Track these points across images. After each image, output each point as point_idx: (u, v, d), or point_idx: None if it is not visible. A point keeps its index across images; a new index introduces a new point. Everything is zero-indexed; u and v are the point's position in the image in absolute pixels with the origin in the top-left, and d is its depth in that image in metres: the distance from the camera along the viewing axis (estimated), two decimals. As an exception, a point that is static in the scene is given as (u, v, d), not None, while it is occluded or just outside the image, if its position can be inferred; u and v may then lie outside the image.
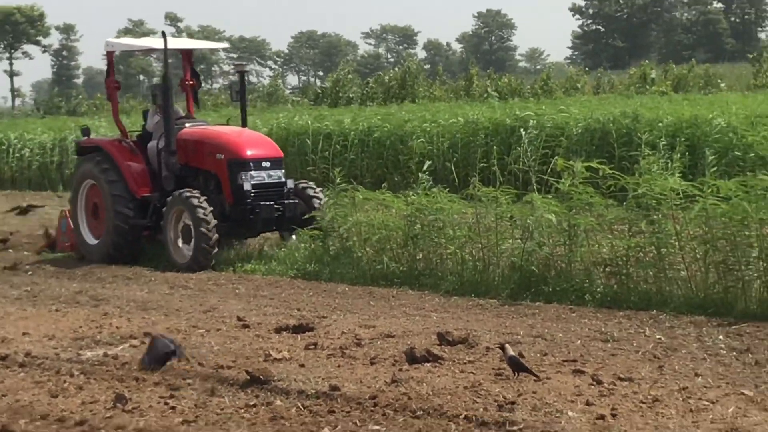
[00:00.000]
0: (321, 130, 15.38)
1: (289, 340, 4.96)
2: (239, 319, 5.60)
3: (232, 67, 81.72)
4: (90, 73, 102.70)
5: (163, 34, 9.13)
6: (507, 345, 4.04)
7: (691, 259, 5.70)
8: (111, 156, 8.78)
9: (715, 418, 3.18)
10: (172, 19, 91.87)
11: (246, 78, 10.68)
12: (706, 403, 3.37)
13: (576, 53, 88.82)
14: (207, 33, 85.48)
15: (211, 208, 7.90)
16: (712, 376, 3.81)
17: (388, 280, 7.01)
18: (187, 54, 10.09)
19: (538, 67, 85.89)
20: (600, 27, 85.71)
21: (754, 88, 25.66)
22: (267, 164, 8.46)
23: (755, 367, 3.99)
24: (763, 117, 11.74)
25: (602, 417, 3.19)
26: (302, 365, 4.28)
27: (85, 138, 9.66)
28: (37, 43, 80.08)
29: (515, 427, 3.09)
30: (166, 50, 8.81)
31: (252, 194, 8.15)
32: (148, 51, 10.74)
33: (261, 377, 3.85)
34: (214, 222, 7.83)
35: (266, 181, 8.40)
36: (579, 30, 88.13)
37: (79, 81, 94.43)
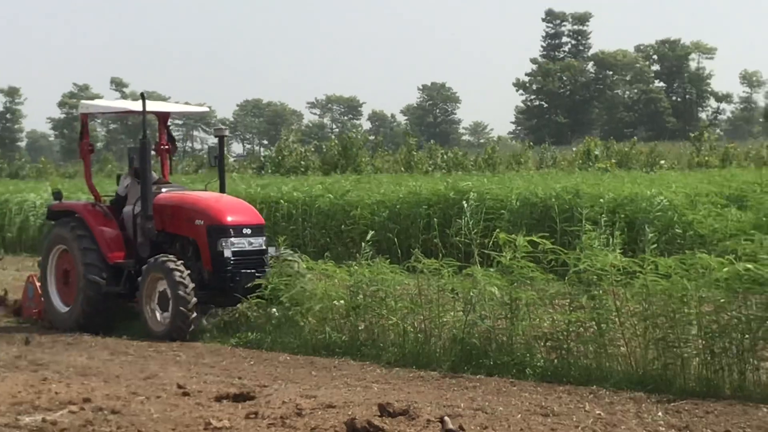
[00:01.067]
0: (266, 198, 15.63)
1: (229, 409, 4.87)
2: (179, 386, 5.47)
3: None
4: (33, 137, 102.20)
5: (142, 96, 9.15)
6: (447, 418, 4.08)
7: (631, 335, 5.84)
8: (84, 221, 8.57)
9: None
10: (118, 83, 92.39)
11: (225, 142, 10.76)
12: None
13: (519, 128, 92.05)
14: (152, 98, 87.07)
15: (189, 271, 7.73)
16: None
17: (329, 350, 6.99)
18: (164, 117, 10.02)
19: (482, 140, 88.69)
20: (543, 103, 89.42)
21: (695, 166, 27.07)
22: (248, 231, 8.31)
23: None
24: (702, 195, 12.25)
25: None
26: (242, 435, 4.18)
27: (57, 202, 9.42)
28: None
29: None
30: (144, 112, 8.79)
31: (232, 261, 8.00)
32: (125, 113, 10.56)
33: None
34: (192, 285, 7.63)
35: (247, 248, 8.22)
36: (522, 105, 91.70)
37: (23, 144, 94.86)
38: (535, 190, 13.30)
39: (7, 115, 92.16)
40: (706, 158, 28.99)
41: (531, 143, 42.20)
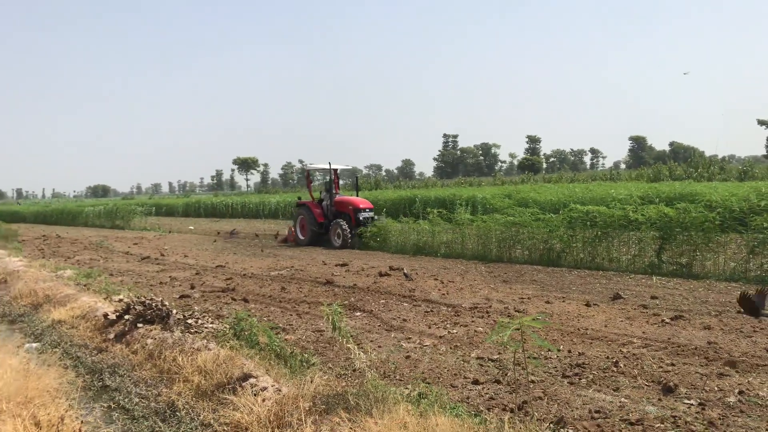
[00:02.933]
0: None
1: (339, 269, 14.63)
2: (324, 262, 15.51)
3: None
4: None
5: (329, 163, 21.24)
6: (406, 270, 13.60)
7: (473, 241, 15.65)
8: (309, 207, 20.61)
9: None
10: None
11: (357, 177, 27.70)
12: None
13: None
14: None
15: (348, 225, 19.19)
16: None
17: (386, 249, 17.75)
18: (335, 170, 21.52)
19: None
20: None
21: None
22: (368, 210, 19.83)
23: None
24: (498, 195, 28.43)
25: (446, 293, 12.58)
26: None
27: (299, 200, 22.39)
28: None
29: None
30: (330, 170, 21.15)
31: (361, 221, 19.42)
32: (324, 170, 22.12)
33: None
34: (348, 229, 18.92)
35: (368, 216, 19.80)
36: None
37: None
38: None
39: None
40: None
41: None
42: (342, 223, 19.16)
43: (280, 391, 5.04)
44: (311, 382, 5.22)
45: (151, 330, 7.72)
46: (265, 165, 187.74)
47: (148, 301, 8.45)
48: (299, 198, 24.60)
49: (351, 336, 5.49)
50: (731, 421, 4.80)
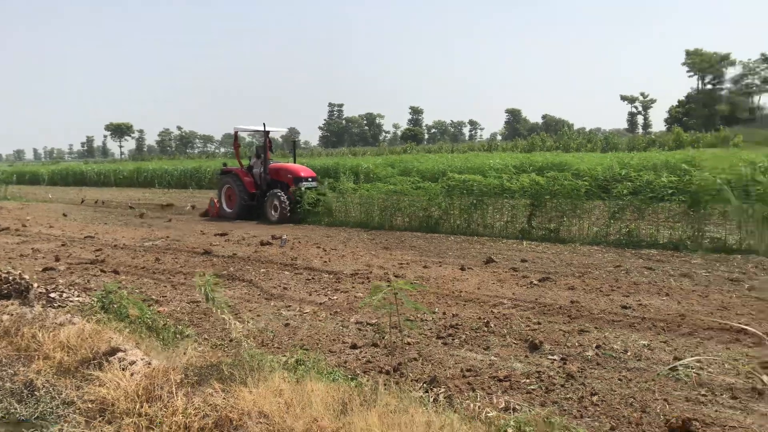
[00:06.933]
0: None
1: (219, 238, 14.18)
2: (202, 232, 14.89)
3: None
4: None
5: (264, 125, 18.45)
6: (278, 235, 13.42)
7: (375, 208, 15.75)
8: (238, 175, 18.37)
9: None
10: None
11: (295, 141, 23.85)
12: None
13: None
14: None
15: (286, 196, 17.02)
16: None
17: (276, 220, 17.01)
18: (267, 133, 18.89)
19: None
20: None
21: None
22: (310, 179, 17.75)
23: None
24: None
25: (328, 260, 12.51)
26: None
27: (225, 166, 19.74)
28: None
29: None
30: (264, 132, 18.59)
31: (303, 191, 16.94)
32: (255, 131, 19.48)
33: None
34: (287, 202, 16.91)
35: (309, 186, 17.46)
36: None
37: None
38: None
39: None
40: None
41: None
42: (279, 193, 17.01)
43: (150, 364, 4.83)
44: (184, 354, 5.04)
45: (8, 306, 7.13)
46: (141, 131, 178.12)
47: (3, 275, 7.79)
48: (224, 164, 20.44)
49: (228, 306, 5.34)
50: (588, 373, 5.16)
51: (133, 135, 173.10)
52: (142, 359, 4.96)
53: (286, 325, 6.74)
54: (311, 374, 4.58)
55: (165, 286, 8.89)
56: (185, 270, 10.04)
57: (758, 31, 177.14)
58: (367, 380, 4.72)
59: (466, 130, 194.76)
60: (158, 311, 7.17)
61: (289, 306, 7.58)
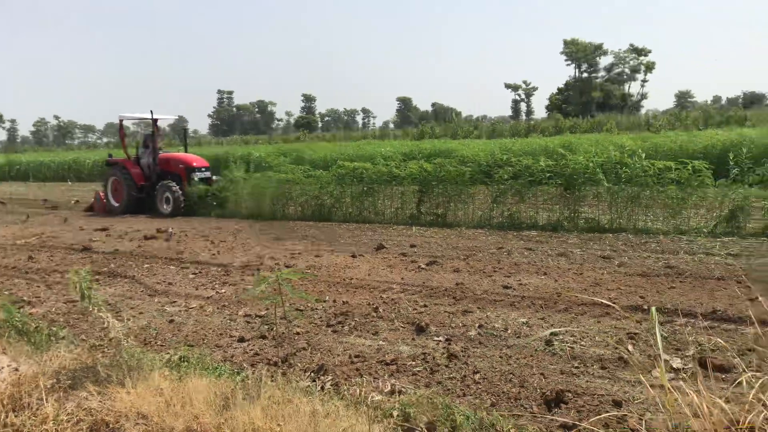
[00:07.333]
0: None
1: (99, 234, 13.42)
2: (81, 228, 14.01)
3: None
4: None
5: (151, 112, 17.20)
6: (170, 229, 12.94)
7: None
8: (125, 166, 17.01)
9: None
10: None
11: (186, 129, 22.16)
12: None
13: None
14: None
15: (178, 187, 15.99)
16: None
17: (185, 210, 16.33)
18: (155, 121, 17.54)
19: None
20: None
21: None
22: (203, 169, 16.97)
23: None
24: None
25: (217, 253, 12.13)
26: None
27: (111, 157, 17.98)
28: None
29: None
30: (152, 120, 17.22)
31: (197, 182, 16.38)
32: (142, 119, 17.97)
33: None
34: (180, 193, 15.94)
35: (203, 176, 16.81)
36: None
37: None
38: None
39: None
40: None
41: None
42: (172, 185, 16.07)
43: (17, 370, 4.53)
44: (56, 357, 4.77)
45: None
46: (12, 121, 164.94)
47: None
48: (110, 155, 18.52)
49: (107, 304, 5.09)
50: (471, 352, 5.36)
51: (3, 125, 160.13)
52: (8, 366, 4.64)
53: (171, 321, 6.53)
54: (195, 371, 4.46)
55: (39, 286, 8.34)
56: (61, 268, 9.47)
57: (627, 22, 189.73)
58: (253, 373, 4.67)
59: (359, 118, 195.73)
60: (30, 313, 6.73)
61: (174, 302, 7.34)
